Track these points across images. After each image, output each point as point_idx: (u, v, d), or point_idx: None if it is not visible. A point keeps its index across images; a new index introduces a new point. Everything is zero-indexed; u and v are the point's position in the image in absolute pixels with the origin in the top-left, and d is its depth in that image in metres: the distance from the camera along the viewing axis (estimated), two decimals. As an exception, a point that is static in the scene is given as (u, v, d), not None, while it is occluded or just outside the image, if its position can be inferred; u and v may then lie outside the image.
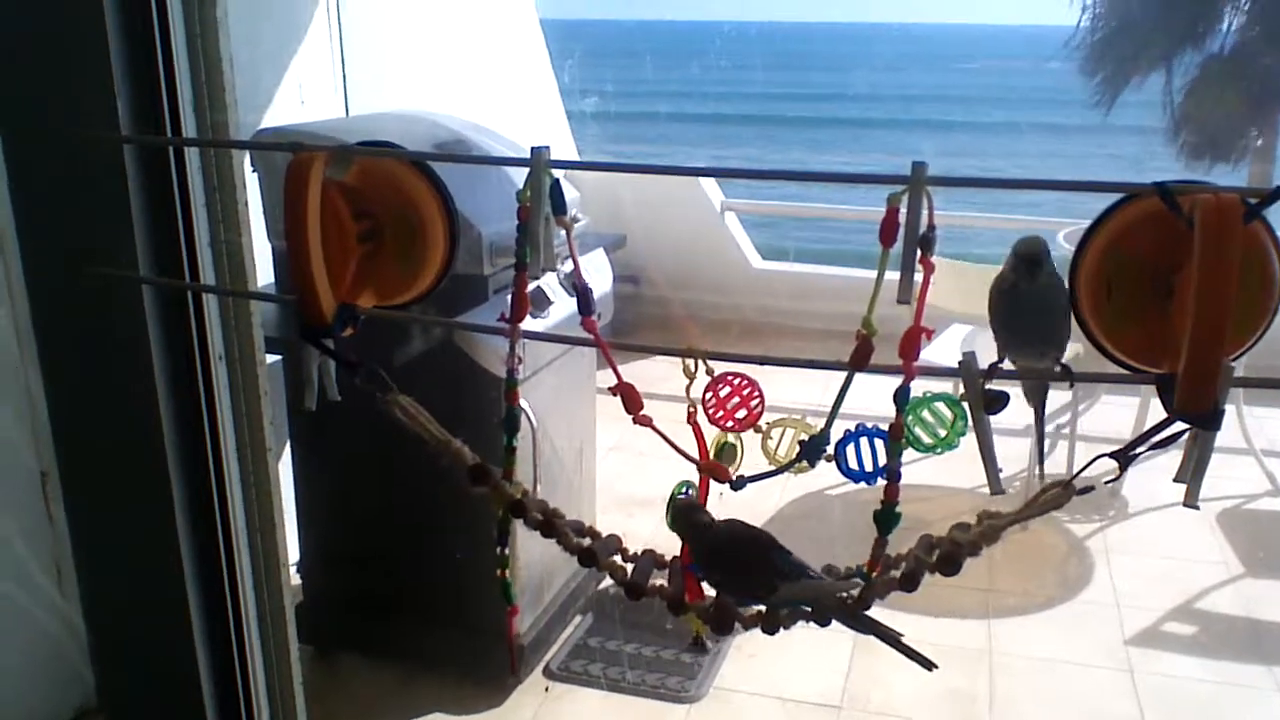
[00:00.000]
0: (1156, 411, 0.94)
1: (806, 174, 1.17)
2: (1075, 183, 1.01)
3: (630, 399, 1.09)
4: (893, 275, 0.97)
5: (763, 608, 1.04)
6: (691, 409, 1.07)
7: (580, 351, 2.79)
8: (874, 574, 1.04)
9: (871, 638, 1.00)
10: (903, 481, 1.02)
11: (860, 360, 0.99)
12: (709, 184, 5.85)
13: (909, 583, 1.00)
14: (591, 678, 2.78)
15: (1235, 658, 2.94)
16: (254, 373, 1.62)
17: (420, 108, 3.17)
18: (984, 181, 1.04)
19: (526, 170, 1.08)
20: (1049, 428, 4.05)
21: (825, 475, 1.06)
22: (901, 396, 1.00)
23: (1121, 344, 0.99)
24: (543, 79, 5.67)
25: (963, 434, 0.99)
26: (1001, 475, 1.01)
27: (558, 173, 1.09)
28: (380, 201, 1.17)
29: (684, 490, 1.13)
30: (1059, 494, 0.97)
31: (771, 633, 1.03)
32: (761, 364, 1.06)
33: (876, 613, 1.02)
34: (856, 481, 1.03)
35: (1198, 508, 0.94)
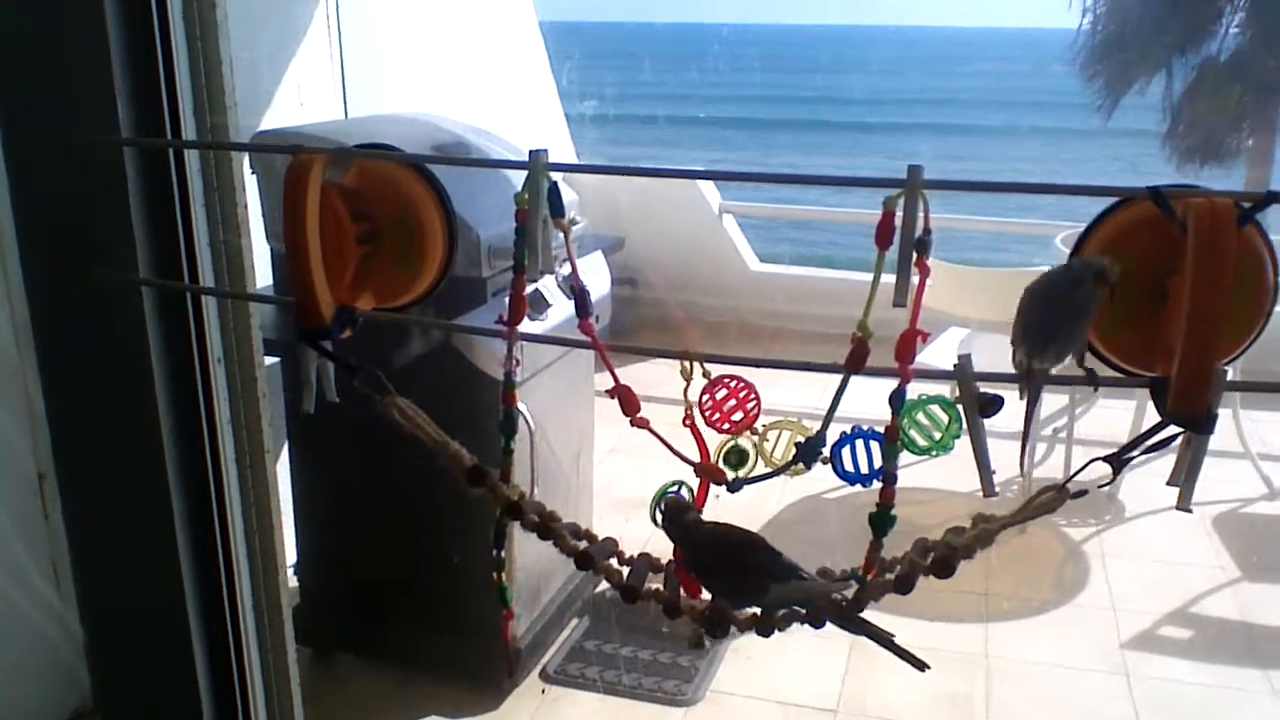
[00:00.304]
0: (1153, 415, 0.95)
1: (803, 177, 1.17)
2: (1070, 187, 1.02)
3: (628, 401, 1.09)
4: (889, 278, 0.98)
5: (757, 610, 1.04)
6: (688, 411, 1.08)
7: (579, 354, 2.79)
8: (869, 576, 1.04)
9: (868, 642, 1.01)
10: (899, 485, 1.02)
11: (856, 363, 0.99)
12: (707, 187, 5.86)
13: (903, 585, 1.00)
14: (588, 681, 2.78)
15: (1230, 661, 2.94)
16: (252, 374, 1.62)
17: (419, 110, 3.18)
18: (979, 185, 1.05)
19: (525, 173, 1.09)
20: (1046, 431, 4.05)
21: (823, 478, 1.06)
22: (897, 399, 1.00)
23: (1115, 347, 0.99)
24: (541, 81, 5.67)
25: (958, 436, 1.00)
26: (995, 478, 1.02)
27: (556, 176, 1.10)
28: (379, 204, 1.17)
29: (674, 488, 1.13)
30: (1053, 498, 0.97)
31: (766, 635, 1.03)
32: (758, 366, 1.07)
33: (874, 616, 1.02)
34: (852, 484, 1.04)
35: (1190, 511, 0.94)
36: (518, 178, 1.10)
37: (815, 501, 3.72)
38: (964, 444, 1.01)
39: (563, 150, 5.89)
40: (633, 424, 1.09)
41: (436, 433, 1.14)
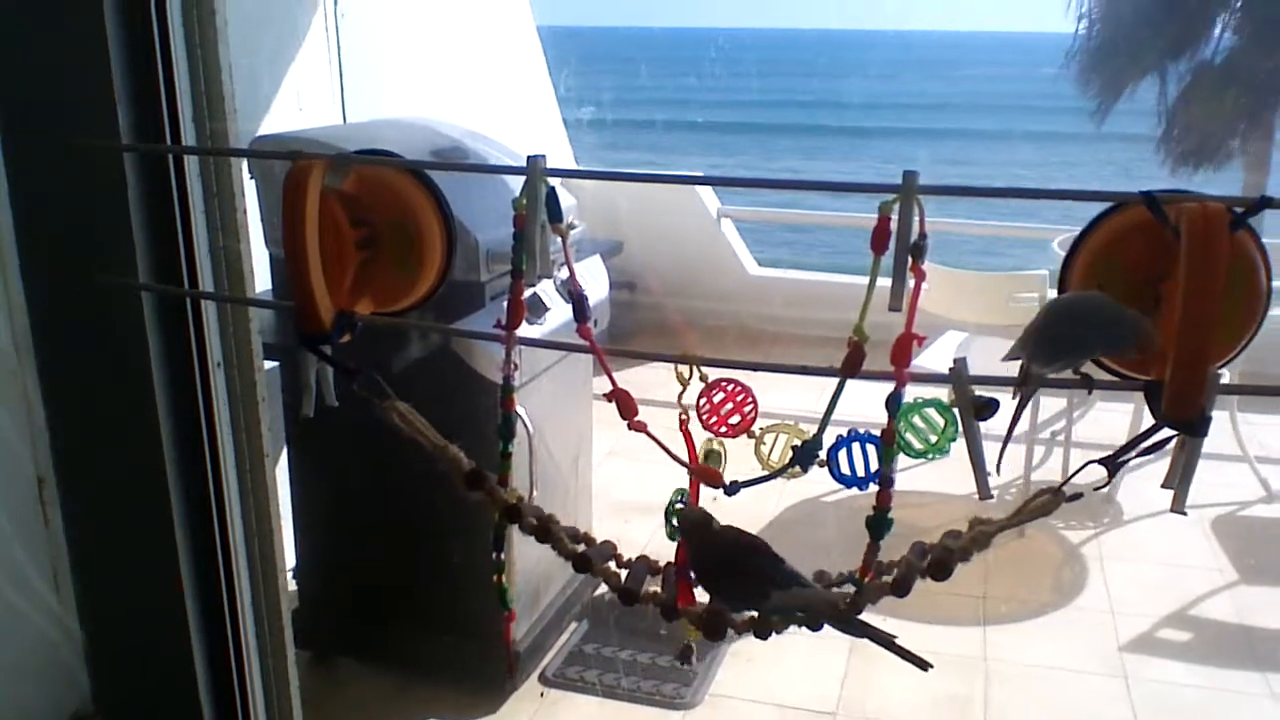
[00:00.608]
0: (1151, 418, 0.95)
1: (800, 183, 1.18)
2: (1065, 191, 1.03)
3: (625, 405, 1.10)
4: (886, 283, 0.98)
5: (754, 613, 1.05)
6: (684, 415, 1.08)
7: (577, 358, 2.79)
8: (866, 579, 1.05)
9: (867, 644, 1.01)
10: (897, 488, 1.03)
11: (852, 367, 1.00)
12: (705, 191, 5.86)
13: (901, 588, 1.01)
14: (587, 684, 2.78)
15: (1229, 664, 2.95)
16: (252, 379, 1.63)
17: (417, 115, 3.18)
18: (974, 191, 1.05)
19: (523, 178, 1.10)
20: (1044, 434, 4.06)
21: (822, 481, 1.07)
22: (893, 402, 1.01)
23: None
24: (539, 86, 5.68)
25: (954, 439, 1.00)
26: (992, 481, 1.02)
27: (554, 181, 1.11)
28: (378, 209, 1.18)
29: (681, 499, 1.14)
30: (1049, 500, 0.98)
31: (763, 637, 1.04)
32: (755, 370, 1.08)
33: (872, 619, 1.03)
34: (849, 486, 1.04)
35: (1185, 513, 0.95)
36: (516, 182, 1.11)
37: (813, 504, 3.72)
38: (961, 447, 1.02)
39: (561, 155, 5.89)
40: (630, 427, 1.10)
41: (435, 436, 1.14)
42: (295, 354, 1.21)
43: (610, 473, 3.67)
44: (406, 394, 1.18)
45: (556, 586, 2.92)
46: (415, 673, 2.79)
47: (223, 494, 1.62)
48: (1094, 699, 2.80)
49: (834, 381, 1.02)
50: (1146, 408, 0.96)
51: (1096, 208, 1.01)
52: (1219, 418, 3.81)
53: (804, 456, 1.04)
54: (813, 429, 1.06)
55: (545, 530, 1.13)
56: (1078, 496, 0.99)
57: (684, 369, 1.06)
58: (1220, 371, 0.94)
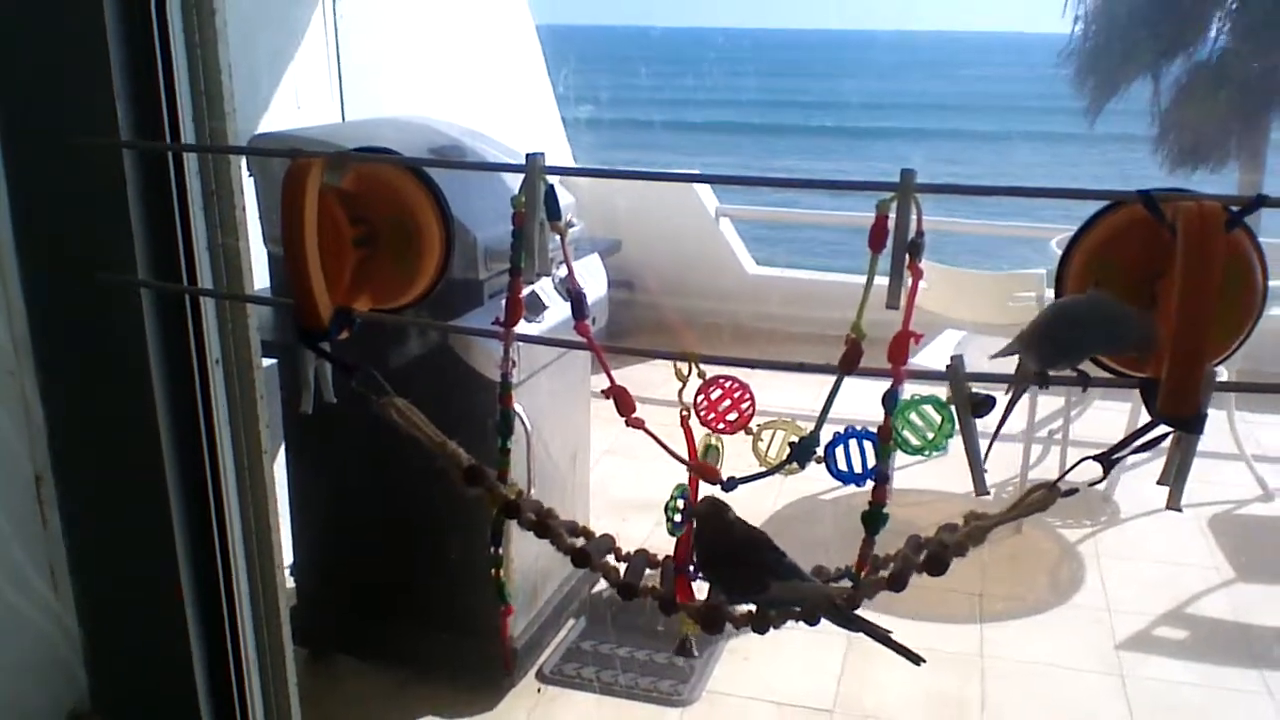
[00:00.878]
0: (1148, 416, 0.96)
1: (798, 181, 1.18)
2: (1062, 190, 1.03)
3: (623, 402, 1.10)
4: (884, 281, 0.99)
5: (753, 607, 1.05)
6: (685, 411, 1.09)
7: (575, 355, 2.80)
8: (862, 574, 1.05)
9: (864, 641, 1.02)
10: (896, 485, 1.03)
11: (849, 364, 1.00)
12: (704, 190, 5.86)
13: (897, 583, 1.01)
14: (584, 681, 2.79)
15: (1226, 662, 2.95)
16: (250, 376, 1.63)
17: (416, 113, 3.18)
18: (971, 189, 1.06)
19: (522, 176, 1.10)
20: (1041, 433, 4.06)
21: (820, 478, 1.07)
22: (890, 400, 1.01)
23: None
24: (538, 84, 5.68)
25: (950, 436, 1.01)
26: (990, 478, 1.03)
27: (552, 179, 1.11)
28: (376, 206, 1.18)
29: (683, 494, 1.15)
30: (1044, 496, 0.98)
31: (761, 632, 1.04)
32: (753, 367, 1.08)
33: (869, 617, 1.03)
34: (846, 483, 1.05)
35: (1180, 510, 0.95)
36: (515, 181, 1.11)
37: (812, 501, 3.73)
38: (959, 445, 1.02)
39: (560, 153, 5.89)
40: (628, 424, 1.10)
41: (434, 433, 1.15)
42: (294, 351, 1.21)
43: (608, 470, 3.68)
44: (405, 391, 1.18)
45: (554, 583, 2.93)
46: (414, 669, 2.79)
47: (221, 491, 1.62)
48: (1090, 696, 2.81)
49: (832, 379, 1.03)
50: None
51: (1094, 206, 1.01)
52: (1216, 416, 3.82)
53: (801, 453, 1.04)
54: (810, 426, 1.06)
55: (544, 525, 1.13)
56: (1073, 492, 0.99)
57: (683, 366, 1.07)
58: (1217, 369, 0.95)
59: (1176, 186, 0.96)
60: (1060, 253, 1.05)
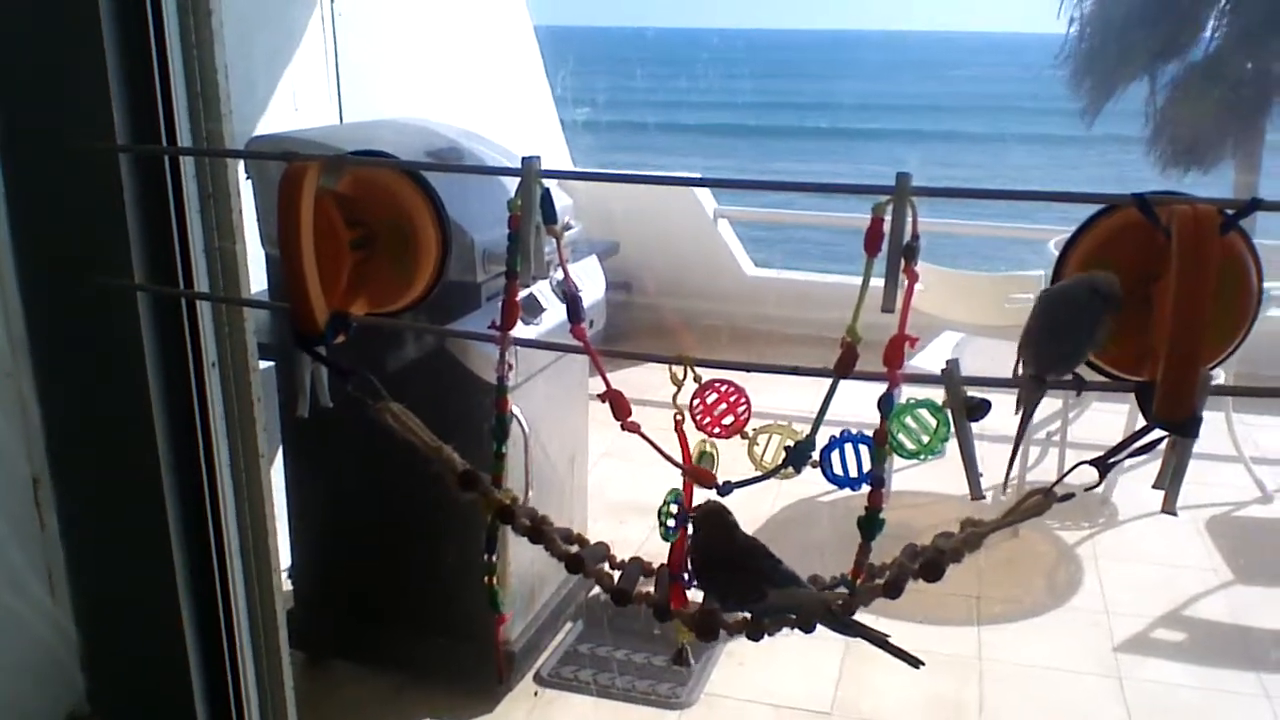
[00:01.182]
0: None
1: (794, 185, 1.18)
2: (1057, 193, 1.03)
3: (618, 406, 1.10)
4: (881, 283, 0.99)
5: (748, 614, 1.05)
6: (680, 416, 1.09)
7: (573, 358, 2.79)
8: (858, 580, 1.05)
9: (862, 645, 1.02)
10: (893, 489, 1.03)
11: (845, 367, 1.00)
12: (702, 192, 5.86)
13: (893, 589, 1.01)
14: (582, 684, 2.79)
15: (1223, 664, 2.95)
16: (246, 379, 1.63)
17: (414, 114, 3.18)
18: (967, 192, 1.06)
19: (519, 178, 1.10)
20: (1039, 435, 4.06)
21: (818, 481, 1.07)
22: (886, 403, 1.01)
23: (1102, 352, 1.00)
24: (536, 85, 5.68)
25: (946, 440, 1.01)
26: (987, 482, 1.03)
27: (549, 182, 1.11)
28: (373, 210, 1.18)
29: (676, 500, 1.14)
30: (1040, 501, 0.98)
31: (756, 639, 1.04)
32: (748, 371, 1.08)
33: (867, 619, 1.03)
34: (841, 487, 1.05)
35: (1176, 514, 0.95)
36: (513, 182, 1.11)
37: (809, 505, 3.72)
38: (955, 447, 1.02)
39: (557, 154, 5.89)
40: (624, 428, 1.10)
41: (429, 437, 1.15)
42: (290, 354, 1.21)
43: (606, 473, 3.68)
44: (402, 394, 1.18)
45: (551, 587, 2.92)
46: (410, 674, 2.79)
47: (218, 494, 1.62)
48: (1088, 699, 2.81)
49: (828, 382, 1.03)
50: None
51: (1091, 209, 1.01)
52: (1215, 418, 3.82)
53: (797, 457, 1.04)
54: (807, 429, 1.06)
55: (538, 532, 1.13)
56: (1069, 497, 0.99)
57: (678, 369, 1.07)
58: (1213, 373, 0.95)
59: (1168, 188, 0.96)
60: (1058, 254, 1.05)
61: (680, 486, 1.14)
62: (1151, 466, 1.00)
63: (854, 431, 1.05)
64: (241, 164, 1.95)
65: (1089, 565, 3.44)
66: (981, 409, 0.98)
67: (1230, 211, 0.91)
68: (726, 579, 1.07)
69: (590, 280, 2.91)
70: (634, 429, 1.09)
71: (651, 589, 1.12)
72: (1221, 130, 13.17)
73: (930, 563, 0.99)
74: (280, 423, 2.69)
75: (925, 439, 1.01)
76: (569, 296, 1.13)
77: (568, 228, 2.58)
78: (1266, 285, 1.00)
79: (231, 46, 1.51)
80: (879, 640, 1.01)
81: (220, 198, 1.53)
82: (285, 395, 2.58)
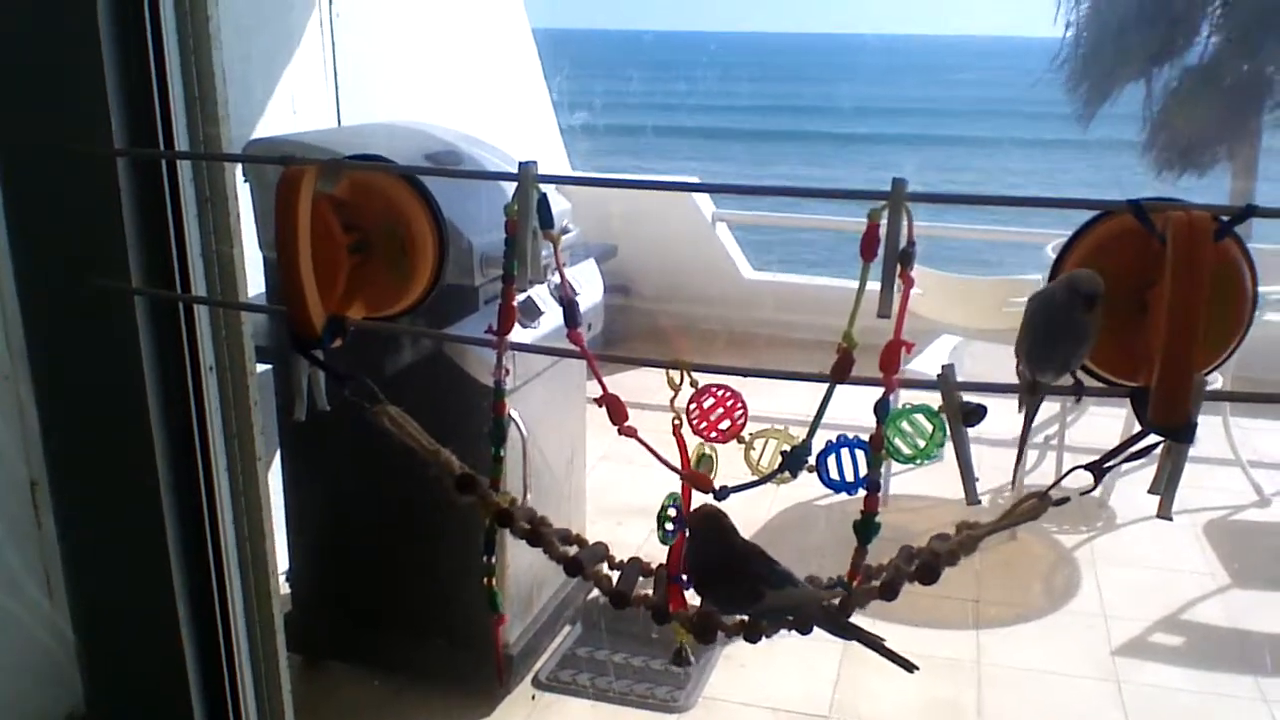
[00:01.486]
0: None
1: (791, 189, 1.18)
2: (1054, 199, 1.03)
3: (615, 410, 1.10)
4: (878, 287, 0.99)
5: (745, 616, 1.05)
6: (677, 420, 1.09)
7: (570, 361, 2.80)
8: (854, 583, 1.06)
9: (859, 648, 1.02)
10: (890, 493, 1.04)
11: (841, 372, 1.00)
12: (700, 195, 5.86)
13: (888, 592, 1.01)
14: (580, 687, 2.79)
15: (1221, 668, 2.96)
16: (244, 382, 1.63)
17: (412, 118, 3.18)
18: (962, 198, 1.07)
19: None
20: (1037, 439, 4.07)
21: (815, 485, 1.07)
22: (882, 408, 1.01)
23: (1098, 357, 1.01)
24: (535, 88, 5.68)
25: (942, 445, 1.01)
26: (985, 486, 1.03)
27: (547, 186, 1.11)
28: (370, 214, 1.18)
29: (674, 503, 1.15)
30: (1035, 505, 0.98)
31: (754, 641, 1.04)
32: (745, 375, 1.08)
33: (866, 623, 1.03)
34: (838, 491, 1.05)
35: (1171, 519, 0.95)
36: (510, 185, 1.12)
37: (806, 508, 3.73)
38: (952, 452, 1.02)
39: (555, 158, 5.89)
40: (620, 433, 1.10)
41: (427, 440, 1.15)
42: (288, 358, 1.21)
43: (603, 476, 3.68)
44: (399, 398, 1.18)
45: (549, 590, 2.92)
46: (408, 677, 2.79)
47: (215, 498, 1.62)
48: (1086, 703, 2.81)
49: (826, 386, 1.03)
50: (1136, 414, 0.97)
51: (1086, 214, 1.01)
52: (1212, 422, 3.83)
53: (793, 462, 1.04)
54: (803, 434, 1.06)
55: (536, 533, 1.13)
56: (1065, 501, 0.99)
57: (675, 374, 1.07)
58: (1208, 378, 0.95)
59: (1164, 192, 0.96)
60: (1054, 257, 1.06)
61: (678, 490, 1.14)
62: (1149, 470, 1.01)
63: (850, 436, 1.05)
64: (239, 167, 1.95)
65: (1087, 569, 3.45)
66: (977, 414, 0.98)
67: (1225, 218, 0.91)
68: (723, 586, 1.07)
69: (588, 283, 2.91)
70: (630, 433, 1.10)
71: (650, 591, 1.12)
72: (1217, 134, 13.19)
73: (926, 565, 0.99)
74: (278, 426, 2.69)
75: (921, 444, 1.01)
76: (565, 302, 1.13)
77: (565, 231, 2.59)
78: (1262, 290, 1.00)
79: (229, 49, 1.51)
80: (874, 644, 1.01)
81: (218, 201, 1.53)
82: (283, 399, 2.58)
